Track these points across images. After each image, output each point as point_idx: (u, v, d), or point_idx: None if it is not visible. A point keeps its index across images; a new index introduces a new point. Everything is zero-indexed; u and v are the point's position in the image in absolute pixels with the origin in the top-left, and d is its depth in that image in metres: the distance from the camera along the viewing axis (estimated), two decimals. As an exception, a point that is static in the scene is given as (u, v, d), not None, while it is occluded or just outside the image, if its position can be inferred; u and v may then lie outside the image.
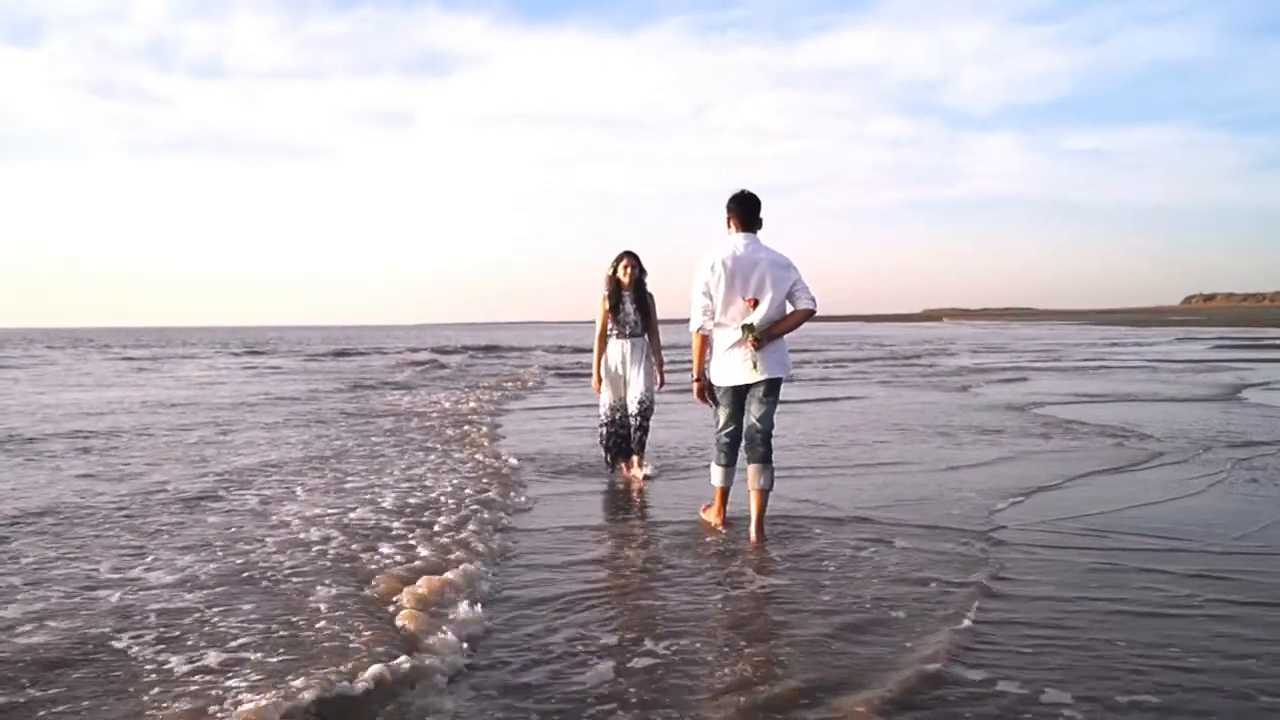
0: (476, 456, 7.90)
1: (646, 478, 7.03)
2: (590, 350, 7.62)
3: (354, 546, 4.79)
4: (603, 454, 7.39)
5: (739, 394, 5.33)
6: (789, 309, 5.25)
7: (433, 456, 7.96)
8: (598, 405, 7.35)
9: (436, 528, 5.27)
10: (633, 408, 7.14)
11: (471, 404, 13.33)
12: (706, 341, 5.40)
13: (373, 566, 4.39)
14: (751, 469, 5.33)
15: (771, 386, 5.31)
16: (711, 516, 5.57)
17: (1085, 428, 9.88)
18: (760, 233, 5.31)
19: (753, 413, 5.35)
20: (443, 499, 6.04)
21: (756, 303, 5.13)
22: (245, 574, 4.31)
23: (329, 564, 4.49)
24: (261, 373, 23.55)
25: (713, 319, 5.25)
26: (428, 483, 6.65)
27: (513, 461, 7.70)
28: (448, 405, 13.17)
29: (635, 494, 6.60)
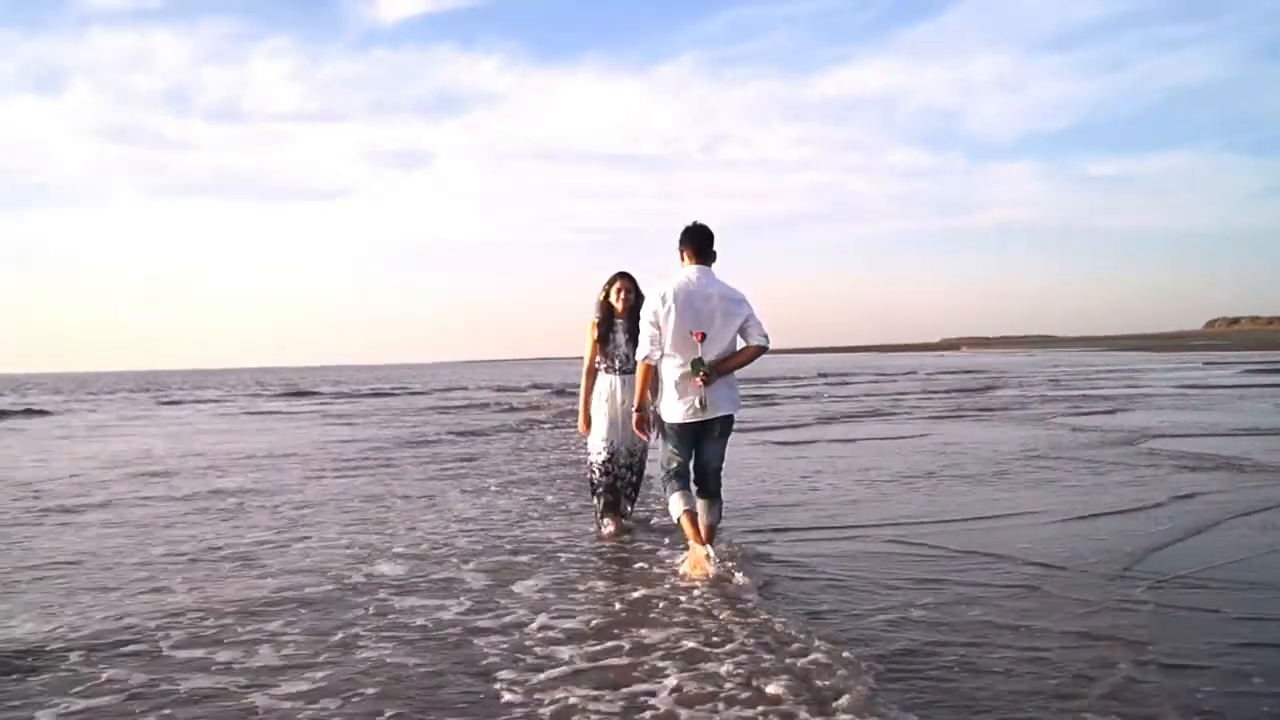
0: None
1: (626, 530, 6.33)
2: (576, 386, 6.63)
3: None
4: (592, 502, 6.57)
5: (689, 430, 5.22)
6: (740, 344, 5.18)
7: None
8: (591, 448, 6.47)
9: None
10: (623, 458, 6.41)
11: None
12: (652, 373, 5.24)
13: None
14: (701, 504, 5.27)
15: (724, 425, 5.26)
16: (690, 568, 5.14)
17: (1210, 460, 9.36)
18: (716, 266, 5.24)
19: (704, 450, 5.30)
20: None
21: (704, 337, 5.04)
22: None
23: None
24: (360, 419, 21.29)
25: (661, 350, 5.15)
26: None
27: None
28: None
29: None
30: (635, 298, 6.30)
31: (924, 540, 6.03)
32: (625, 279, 6.41)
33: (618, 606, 4.60)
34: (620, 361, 6.32)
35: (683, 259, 5.27)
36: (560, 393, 36.16)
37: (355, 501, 8.16)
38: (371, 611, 4.54)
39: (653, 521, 6.72)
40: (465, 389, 38.76)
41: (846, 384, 33.75)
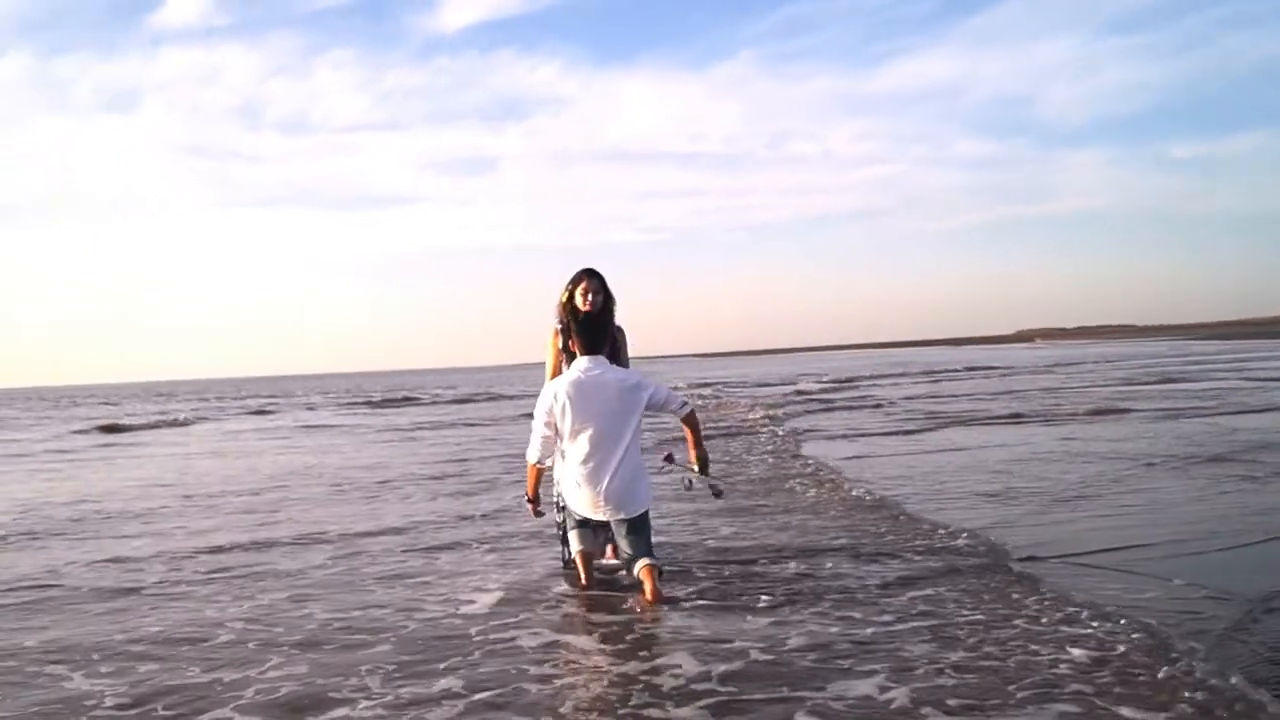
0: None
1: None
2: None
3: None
4: (559, 534, 5.72)
5: (593, 520, 5.16)
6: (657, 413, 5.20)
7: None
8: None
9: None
10: None
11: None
12: (540, 473, 5.29)
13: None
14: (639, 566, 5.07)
15: (634, 523, 5.11)
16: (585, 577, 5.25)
17: None
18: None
19: (623, 545, 5.16)
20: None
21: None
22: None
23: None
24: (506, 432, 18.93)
25: (552, 453, 5.15)
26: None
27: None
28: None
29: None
30: (604, 299, 5.65)
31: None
32: (591, 278, 5.68)
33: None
34: None
35: (574, 350, 5.23)
36: (705, 384, 36.56)
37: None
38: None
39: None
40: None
41: (948, 379, 33.09)
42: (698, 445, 5.30)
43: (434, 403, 36.47)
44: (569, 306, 5.64)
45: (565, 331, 5.58)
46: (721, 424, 18.04)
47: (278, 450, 17.30)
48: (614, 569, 5.60)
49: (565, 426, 5.05)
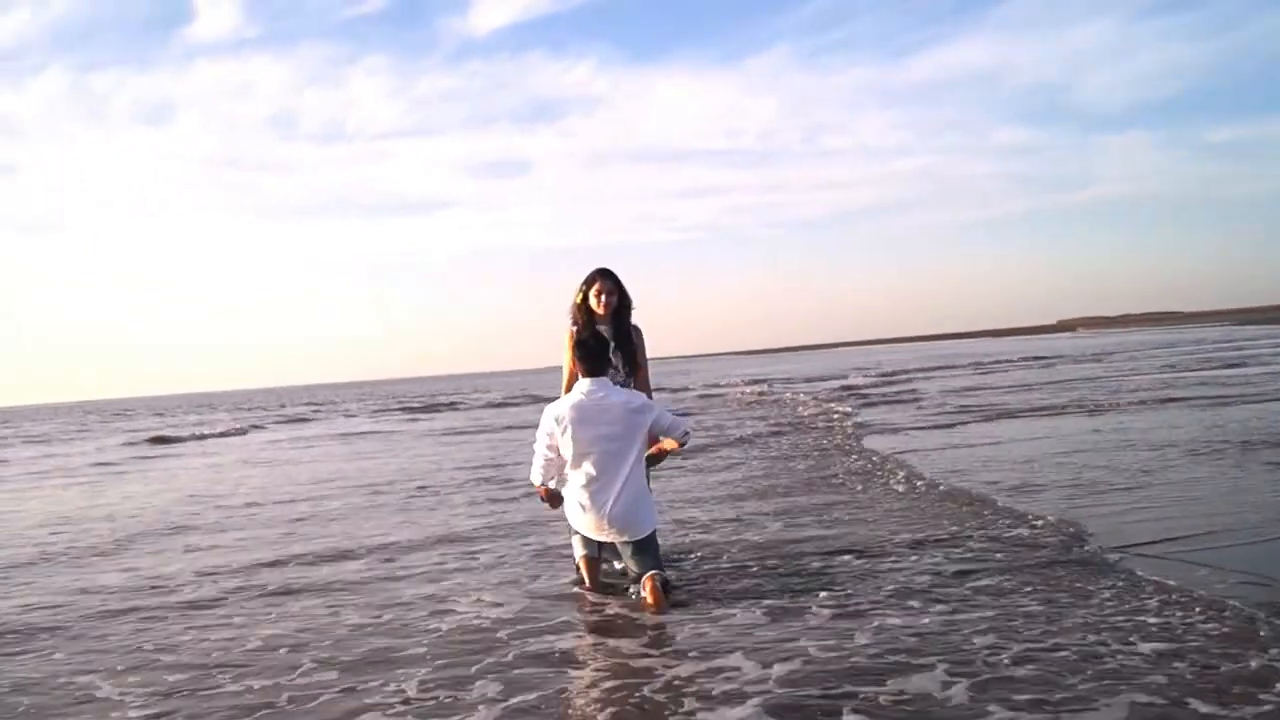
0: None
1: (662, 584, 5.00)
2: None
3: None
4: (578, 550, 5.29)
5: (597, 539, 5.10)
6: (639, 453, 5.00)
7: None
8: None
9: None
10: None
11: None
12: (550, 491, 5.20)
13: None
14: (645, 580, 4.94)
15: (639, 544, 4.99)
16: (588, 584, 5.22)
17: None
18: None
19: (630, 564, 5.06)
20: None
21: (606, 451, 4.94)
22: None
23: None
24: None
25: (556, 475, 5.07)
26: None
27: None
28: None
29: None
30: (619, 300, 5.51)
31: None
32: (605, 278, 5.51)
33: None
34: (609, 373, 5.41)
35: (577, 372, 5.13)
36: (756, 381, 36.56)
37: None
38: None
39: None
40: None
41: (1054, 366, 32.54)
42: (664, 454, 5.34)
43: (473, 407, 36.51)
44: (583, 307, 5.51)
45: (583, 332, 5.35)
46: (785, 420, 17.82)
47: (318, 459, 17.36)
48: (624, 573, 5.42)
49: (567, 450, 4.97)
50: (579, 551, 5.23)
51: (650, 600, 4.84)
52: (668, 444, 5.22)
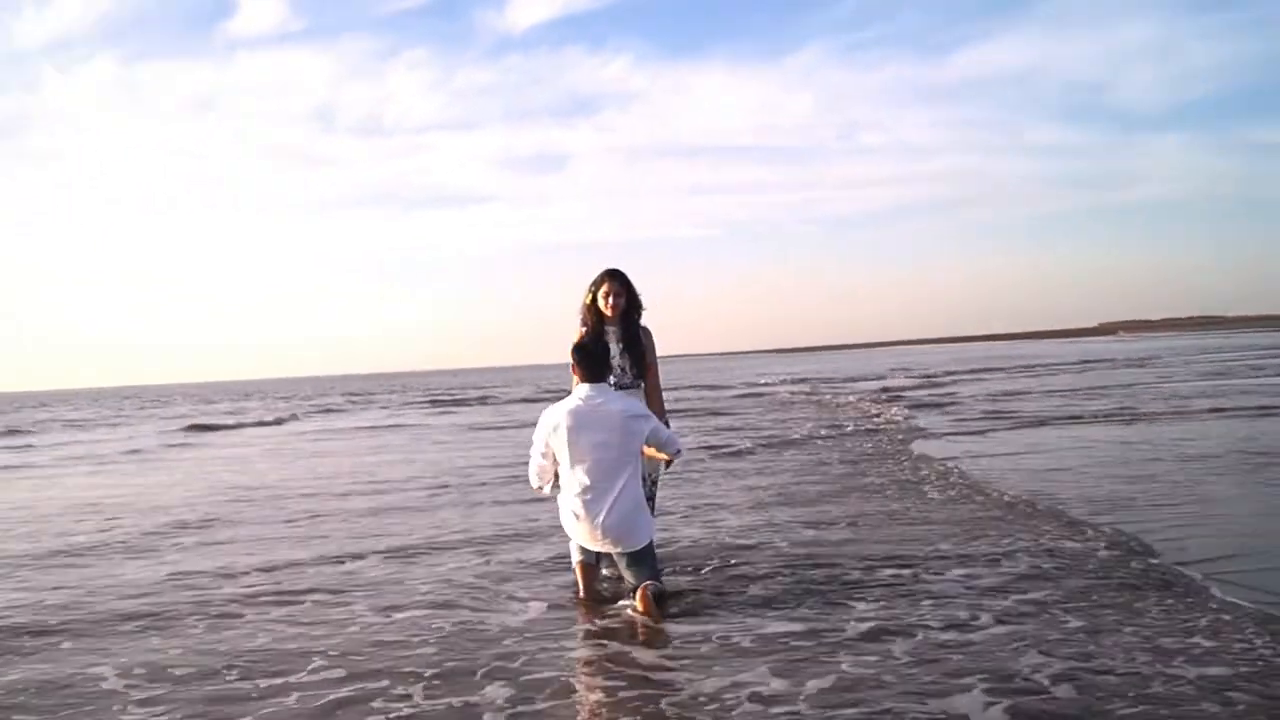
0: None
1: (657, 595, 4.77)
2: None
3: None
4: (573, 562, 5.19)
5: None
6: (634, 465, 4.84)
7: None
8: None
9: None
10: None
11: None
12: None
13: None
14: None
15: (634, 556, 4.82)
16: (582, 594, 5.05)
17: None
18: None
19: (626, 575, 4.88)
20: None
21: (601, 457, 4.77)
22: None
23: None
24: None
25: (553, 482, 4.95)
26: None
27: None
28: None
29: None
30: (627, 301, 5.39)
31: None
32: (614, 280, 5.37)
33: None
34: (616, 375, 5.34)
35: (575, 377, 4.98)
36: (800, 380, 36.36)
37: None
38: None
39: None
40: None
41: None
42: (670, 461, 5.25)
43: (504, 401, 36.51)
44: (592, 308, 5.39)
45: (588, 336, 5.31)
46: (829, 422, 17.43)
47: (347, 452, 17.38)
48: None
49: (563, 456, 4.85)
50: (575, 557, 5.10)
51: (642, 610, 4.68)
52: (659, 455, 5.09)
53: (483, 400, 38.84)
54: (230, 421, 29.65)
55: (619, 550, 4.82)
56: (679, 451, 5.10)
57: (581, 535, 4.87)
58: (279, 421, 29.30)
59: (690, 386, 39.90)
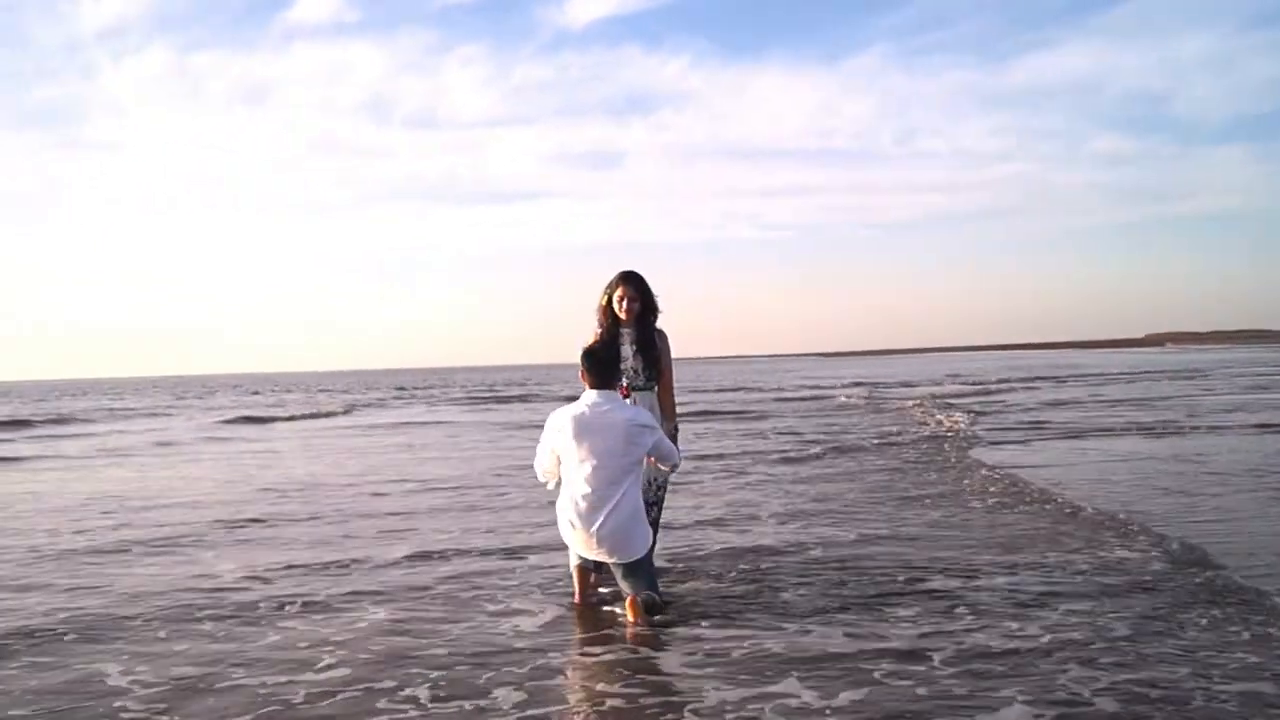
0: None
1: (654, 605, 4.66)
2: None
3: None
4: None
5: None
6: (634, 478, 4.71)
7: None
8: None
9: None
10: (650, 494, 5.26)
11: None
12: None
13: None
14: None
15: (630, 566, 4.68)
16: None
17: None
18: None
19: (623, 585, 4.76)
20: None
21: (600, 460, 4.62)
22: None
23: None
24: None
25: (558, 479, 4.85)
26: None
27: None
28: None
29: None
30: (642, 305, 5.32)
31: None
32: (629, 283, 5.30)
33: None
34: (629, 377, 5.29)
35: (584, 382, 4.87)
36: (855, 385, 36.46)
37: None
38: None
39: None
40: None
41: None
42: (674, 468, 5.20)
43: (551, 399, 36.49)
44: (608, 310, 5.33)
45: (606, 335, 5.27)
46: (888, 428, 16.96)
47: (388, 449, 17.24)
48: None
49: (565, 459, 4.78)
50: (572, 560, 4.99)
51: (630, 618, 4.57)
52: (661, 466, 5.05)
53: (523, 399, 38.86)
54: (286, 413, 29.87)
55: (614, 560, 4.69)
56: (676, 466, 5.07)
57: (577, 543, 4.77)
58: (330, 414, 29.46)
59: (739, 389, 39.60)
